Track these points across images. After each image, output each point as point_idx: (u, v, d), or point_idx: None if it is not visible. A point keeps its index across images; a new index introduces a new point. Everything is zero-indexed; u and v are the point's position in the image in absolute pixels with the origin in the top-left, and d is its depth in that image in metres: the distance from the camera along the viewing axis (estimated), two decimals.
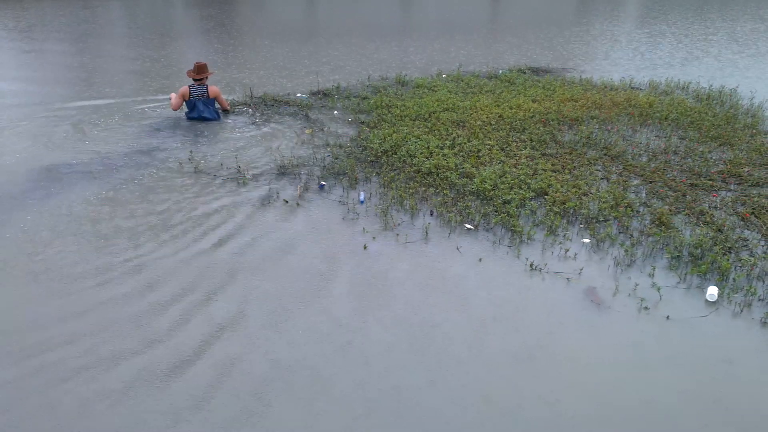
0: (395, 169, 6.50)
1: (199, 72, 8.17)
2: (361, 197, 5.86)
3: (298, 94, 9.85)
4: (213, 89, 8.29)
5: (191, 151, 7.08)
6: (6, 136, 7.58)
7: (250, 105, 9.08)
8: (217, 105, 8.46)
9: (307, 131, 7.96)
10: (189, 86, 8.21)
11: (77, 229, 5.16)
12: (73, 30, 17.75)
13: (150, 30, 18.29)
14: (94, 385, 3.39)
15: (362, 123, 8.24)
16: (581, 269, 4.68)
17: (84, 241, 4.96)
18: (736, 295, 4.40)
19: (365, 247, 4.97)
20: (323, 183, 6.15)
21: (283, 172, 6.52)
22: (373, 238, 5.14)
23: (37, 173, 6.39)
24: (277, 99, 9.39)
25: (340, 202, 5.84)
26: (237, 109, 8.86)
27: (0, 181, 6.16)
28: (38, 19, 19.66)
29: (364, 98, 9.53)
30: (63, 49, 14.49)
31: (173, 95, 8.43)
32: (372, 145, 7.08)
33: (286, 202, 5.83)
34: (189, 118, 8.29)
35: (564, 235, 5.19)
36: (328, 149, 7.19)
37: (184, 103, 8.26)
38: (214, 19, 21.18)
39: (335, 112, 8.87)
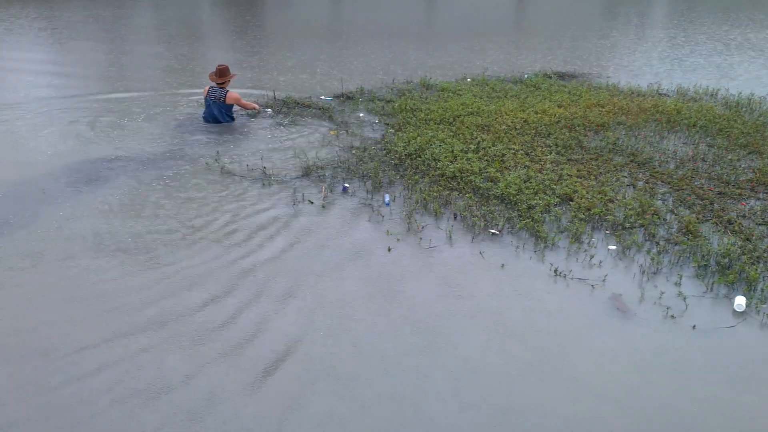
0: (419, 173, 6.50)
1: (221, 75, 8.17)
2: (387, 199, 5.87)
3: (322, 97, 9.89)
4: (232, 96, 8.22)
5: (218, 152, 7.15)
6: (37, 131, 7.73)
7: (272, 107, 9.13)
8: (235, 108, 8.44)
9: (332, 132, 8.00)
10: (209, 87, 8.26)
11: (108, 230, 5.24)
12: (101, 28, 18.01)
13: (177, 29, 18.49)
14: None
15: (387, 126, 8.25)
16: (606, 276, 4.64)
17: (116, 245, 5.04)
18: (764, 306, 4.34)
19: (389, 250, 4.98)
20: (347, 185, 6.17)
21: (307, 173, 6.56)
22: (397, 240, 5.15)
23: (68, 169, 6.51)
24: (299, 102, 9.43)
25: (364, 204, 5.86)
26: (261, 108, 8.89)
27: (33, 175, 6.28)
28: (68, 17, 19.98)
29: (388, 101, 9.54)
30: (92, 47, 14.71)
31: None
32: (396, 148, 7.09)
33: (311, 203, 5.86)
34: (203, 119, 8.34)
35: (589, 242, 5.16)
36: (353, 151, 7.21)
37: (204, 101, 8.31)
38: (240, 20, 21.34)
39: (360, 114, 8.90)
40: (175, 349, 3.72)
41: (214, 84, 8.25)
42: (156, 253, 4.82)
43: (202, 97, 8.35)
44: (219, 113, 8.20)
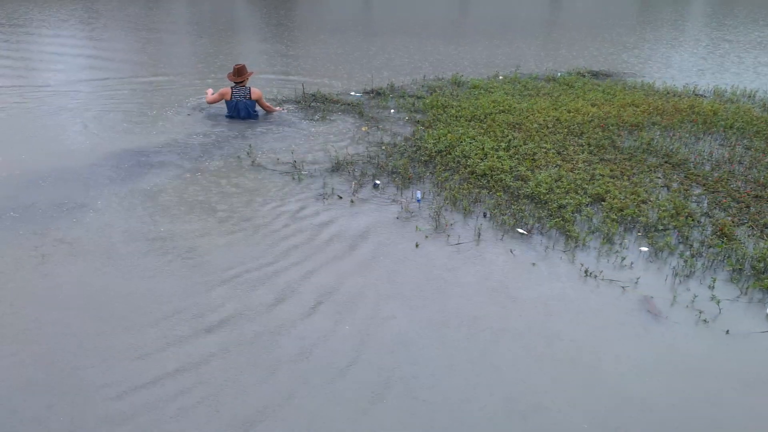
0: (449, 170, 6.48)
1: (239, 74, 8.23)
2: (418, 196, 5.87)
3: (352, 93, 9.90)
4: (255, 92, 8.29)
5: (250, 146, 7.21)
6: (76, 123, 7.89)
7: (300, 102, 9.15)
8: (257, 107, 8.48)
9: (363, 128, 8.01)
10: (231, 88, 8.29)
11: (145, 222, 5.33)
12: (138, 22, 18.28)
13: (212, 25, 18.68)
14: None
15: (417, 122, 8.24)
16: (638, 278, 4.57)
17: (151, 239, 5.11)
18: None
19: (417, 246, 4.98)
20: (377, 182, 6.17)
21: (337, 168, 6.58)
22: (426, 237, 5.14)
23: (104, 159, 6.64)
24: (328, 97, 9.45)
25: (393, 200, 5.86)
26: (286, 108, 8.90)
27: (71, 165, 6.39)
28: (107, 12, 20.31)
29: (419, 98, 9.52)
30: (129, 41, 14.94)
31: (210, 90, 8.65)
32: (426, 145, 7.07)
33: (340, 198, 5.88)
34: (228, 117, 8.38)
35: (621, 243, 5.09)
36: (383, 147, 7.21)
37: (225, 103, 8.36)
38: (273, 17, 21.49)
39: (390, 110, 8.89)
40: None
41: (233, 84, 8.30)
42: (192, 247, 4.88)
43: (221, 99, 8.37)
44: (246, 111, 8.27)
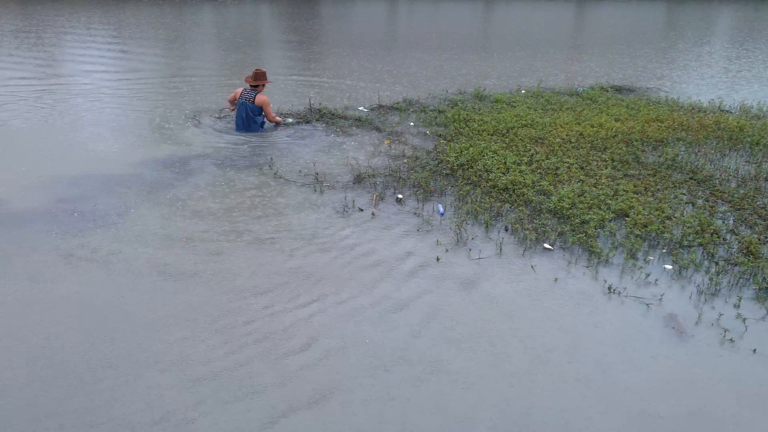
0: (471, 183, 6.46)
1: (257, 78, 8.29)
2: (441, 210, 5.85)
3: (360, 108, 9.87)
4: (260, 98, 8.27)
5: (271, 158, 7.26)
6: (102, 128, 8.02)
7: (302, 117, 9.11)
8: (263, 119, 8.50)
9: (386, 142, 8.03)
10: (242, 89, 8.40)
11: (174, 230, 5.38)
12: (165, 34, 18.56)
13: (236, 37, 18.90)
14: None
15: (439, 136, 8.24)
16: (662, 295, 4.51)
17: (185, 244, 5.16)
18: None
19: (438, 259, 4.96)
20: (400, 196, 6.17)
21: (358, 181, 6.59)
22: (446, 250, 5.12)
23: (132, 166, 6.74)
24: (333, 113, 9.38)
25: (414, 213, 5.85)
26: (289, 121, 8.86)
27: (98, 171, 6.49)
28: (134, 22, 20.66)
29: (440, 111, 9.53)
30: (156, 53, 15.17)
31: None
32: (448, 158, 7.07)
33: (361, 210, 5.89)
34: (236, 127, 8.41)
35: (644, 259, 5.02)
36: (404, 160, 7.22)
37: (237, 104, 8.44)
38: (298, 31, 21.70)
39: (411, 123, 8.90)
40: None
41: (248, 87, 8.37)
42: (218, 252, 4.91)
43: (233, 98, 8.46)
44: (246, 115, 8.25)
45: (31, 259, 4.74)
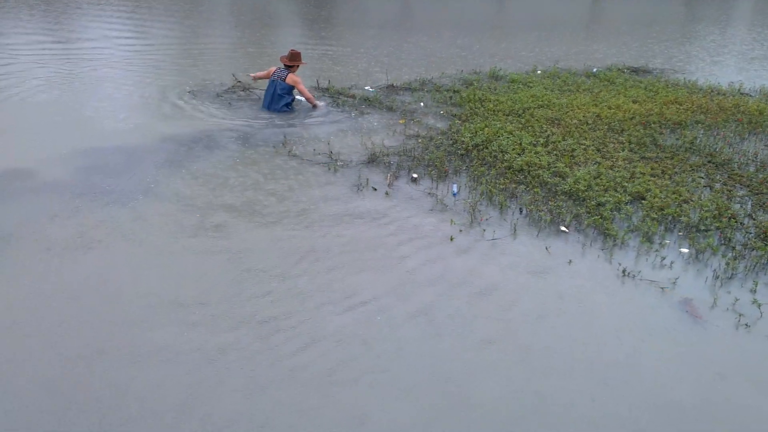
0: (485, 164, 6.41)
1: (292, 59, 8.27)
2: (455, 189, 5.83)
3: (367, 87, 9.78)
4: (292, 77, 8.22)
5: (284, 135, 7.24)
6: (121, 107, 8.04)
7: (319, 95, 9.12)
8: (294, 93, 8.44)
9: (400, 121, 7.99)
10: (277, 68, 8.39)
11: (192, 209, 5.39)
12: (183, 16, 18.49)
13: (251, 18, 18.80)
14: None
15: (454, 116, 8.18)
16: (677, 279, 4.47)
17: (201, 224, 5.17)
18: None
19: (451, 239, 4.94)
20: (415, 175, 6.14)
21: (372, 160, 6.56)
22: (460, 230, 5.10)
23: (151, 143, 6.76)
24: (341, 92, 9.31)
25: (428, 193, 5.83)
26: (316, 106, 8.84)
27: (123, 145, 6.51)
28: (149, 5, 20.60)
29: (455, 91, 9.44)
30: (172, 32, 15.13)
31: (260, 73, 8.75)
32: (463, 139, 7.02)
33: (375, 189, 5.87)
34: (263, 106, 8.41)
35: (660, 243, 4.98)
36: (418, 140, 7.18)
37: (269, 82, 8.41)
38: (310, 12, 21.55)
39: (421, 104, 8.83)
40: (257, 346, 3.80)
41: (282, 66, 8.35)
42: (229, 234, 4.92)
43: (266, 76, 8.45)
44: (274, 92, 8.24)
45: (52, 234, 4.76)
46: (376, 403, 3.22)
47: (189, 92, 8.96)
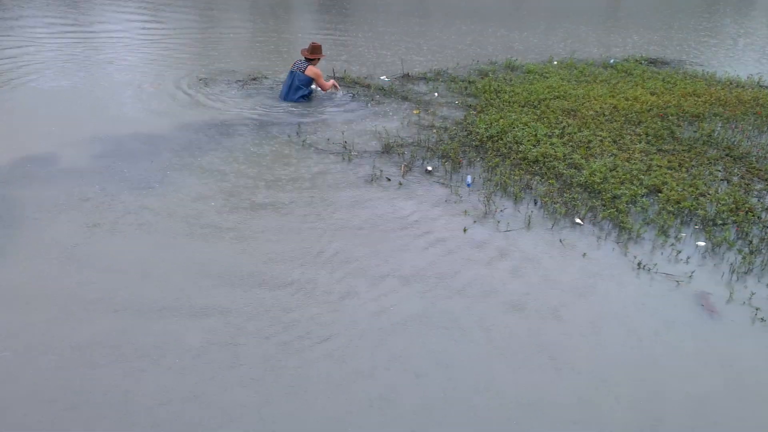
0: (500, 155, 6.39)
1: (313, 52, 8.26)
2: (468, 180, 5.81)
3: (382, 77, 9.75)
4: (312, 69, 8.19)
5: (299, 124, 7.24)
6: (138, 94, 8.09)
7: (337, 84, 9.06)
8: (313, 86, 8.43)
9: (415, 111, 7.96)
10: (297, 60, 8.38)
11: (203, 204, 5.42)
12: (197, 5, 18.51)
13: (264, 7, 18.79)
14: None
15: (469, 107, 8.14)
16: (693, 273, 4.44)
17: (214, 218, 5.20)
18: None
19: (465, 230, 4.93)
20: (429, 168, 6.12)
21: (386, 150, 6.55)
22: (474, 221, 5.09)
23: (168, 131, 6.79)
24: (357, 81, 9.27)
25: (442, 183, 5.81)
26: (339, 94, 8.85)
27: (140, 132, 6.55)
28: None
29: (471, 82, 9.39)
30: (190, 23, 15.16)
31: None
32: (478, 130, 6.99)
33: (389, 180, 5.86)
34: (280, 96, 8.40)
35: (676, 236, 4.94)
36: (433, 131, 7.16)
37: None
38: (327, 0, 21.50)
39: (435, 94, 8.79)
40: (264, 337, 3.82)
41: (302, 58, 8.34)
42: (239, 225, 4.94)
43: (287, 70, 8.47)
44: (292, 83, 8.22)
45: (67, 219, 4.80)
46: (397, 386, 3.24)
47: (204, 80, 8.99)
